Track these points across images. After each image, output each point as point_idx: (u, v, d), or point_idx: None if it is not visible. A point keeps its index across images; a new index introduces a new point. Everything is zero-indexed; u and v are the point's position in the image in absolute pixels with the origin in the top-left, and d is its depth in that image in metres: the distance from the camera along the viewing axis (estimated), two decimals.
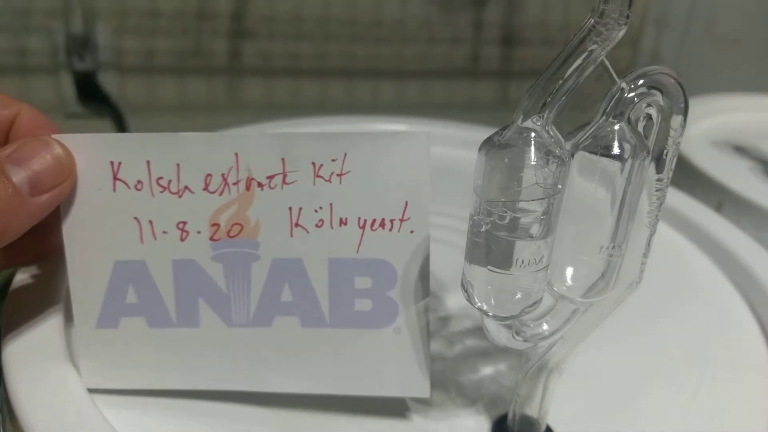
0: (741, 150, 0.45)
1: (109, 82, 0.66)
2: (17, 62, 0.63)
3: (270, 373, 0.20)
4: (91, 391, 0.20)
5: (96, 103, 0.67)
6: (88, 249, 0.19)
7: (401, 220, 0.19)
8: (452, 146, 0.39)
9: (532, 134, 0.14)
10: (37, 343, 0.20)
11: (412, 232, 0.19)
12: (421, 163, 0.19)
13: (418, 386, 0.20)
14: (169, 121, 0.69)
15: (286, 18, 0.68)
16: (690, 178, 0.40)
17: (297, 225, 0.19)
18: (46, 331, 0.21)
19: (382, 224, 0.19)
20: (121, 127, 0.68)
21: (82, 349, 0.20)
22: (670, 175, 0.16)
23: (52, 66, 0.64)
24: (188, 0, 0.65)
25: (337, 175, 0.19)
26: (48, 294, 0.22)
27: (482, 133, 0.46)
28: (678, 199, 0.33)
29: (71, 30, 0.62)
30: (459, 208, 0.29)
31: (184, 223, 0.19)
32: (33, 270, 0.23)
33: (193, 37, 0.67)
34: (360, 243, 0.19)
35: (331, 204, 0.19)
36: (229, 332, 0.20)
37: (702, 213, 0.33)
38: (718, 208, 0.38)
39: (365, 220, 0.19)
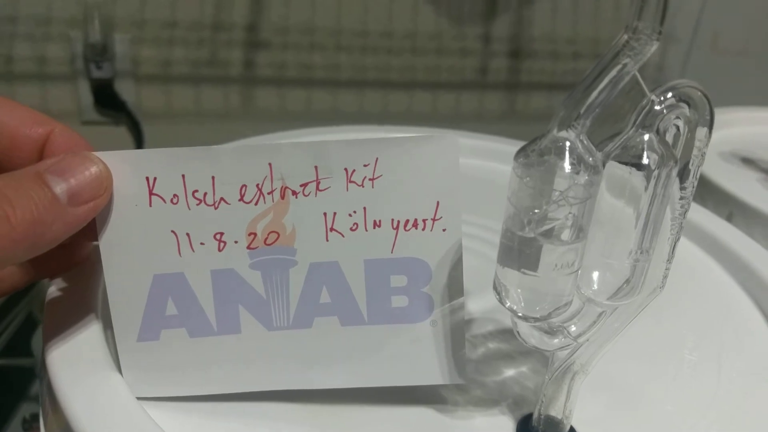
0: (749, 162, 0.46)
1: (125, 90, 0.67)
2: (36, 70, 0.64)
3: (311, 371, 0.21)
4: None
5: (113, 110, 0.68)
6: (126, 264, 0.20)
7: (433, 220, 0.20)
8: (462, 155, 0.39)
9: (567, 143, 0.15)
10: (78, 350, 0.21)
11: (444, 230, 0.20)
12: (451, 164, 0.19)
13: (456, 373, 0.21)
14: (184, 129, 0.70)
15: (300, 29, 0.69)
16: (701, 188, 0.41)
17: (332, 230, 0.20)
18: (86, 338, 0.21)
19: (415, 224, 0.20)
20: (137, 134, 0.69)
21: (124, 362, 0.20)
22: (695, 184, 0.17)
23: (70, 74, 0.66)
24: (204, 11, 0.66)
25: (370, 179, 0.19)
26: (85, 303, 0.22)
27: (495, 142, 0.47)
28: (690, 209, 0.34)
29: (89, 39, 0.64)
30: (475, 215, 0.30)
31: (221, 233, 0.19)
32: (68, 280, 0.23)
33: (208, 47, 0.68)
34: (394, 243, 0.20)
35: (364, 208, 0.20)
36: (270, 336, 0.20)
37: (713, 222, 0.33)
38: (729, 218, 0.38)
39: (398, 222, 0.20)
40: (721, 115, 0.53)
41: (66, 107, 0.66)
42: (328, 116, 0.73)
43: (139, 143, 0.69)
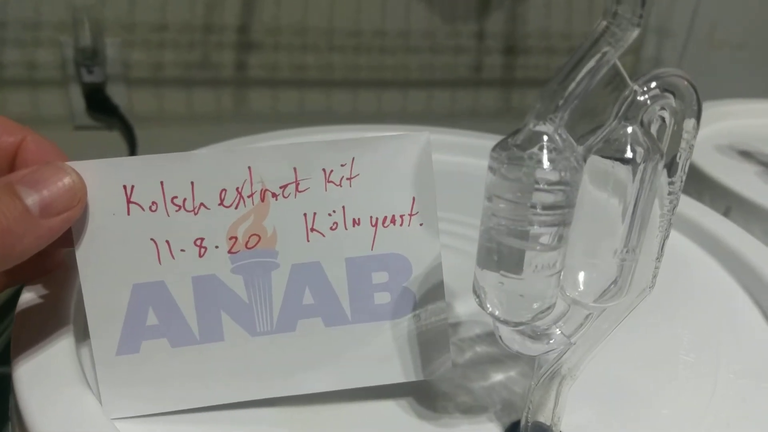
0: (746, 155, 0.45)
1: (117, 94, 0.67)
2: (27, 75, 0.64)
3: (297, 375, 0.20)
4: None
5: (105, 115, 0.67)
6: (104, 275, 0.19)
7: (410, 215, 0.20)
8: (455, 153, 0.39)
9: (545, 137, 0.14)
10: (49, 364, 0.20)
11: (421, 224, 0.20)
12: (424, 161, 0.20)
13: (441, 366, 0.21)
14: (176, 132, 0.69)
15: (292, 30, 0.69)
16: (697, 183, 0.40)
17: (312, 230, 0.20)
18: (57, 352, 0.20)
19: (393, 220, 0.20)
20: (130, 138, 0.68)
21: (102, 378, 0.19)
22: (684, 178, 0.16)
23: (61, 79, 0.65)
24: (195, 13, 0.66)
25: (347, 179, 0.20)
26: (57, 313, 0.22)
27: (485, 140, 0.46)
28: (686, 204, 0.33)
29: (80, 43, 0.63)
30: (463, 214, 0.29)
31: (202, 239, 0.19)
32: (40, 289, 0.23)
33: (200, 49, 0.67)
34: (374, 240, 0.20)
35: (343, 207, 0.20)
36: (253, 342, 0.20)
37: (710, 217, 0.33)
38: (726, 212, 0.37)
39: (377, 219, 0.20)
40: (719, 108, 0.52)
41: (58, 112, 0.66)
42: (321, 117, 0.73)
43: (132, 147, 0.69)
